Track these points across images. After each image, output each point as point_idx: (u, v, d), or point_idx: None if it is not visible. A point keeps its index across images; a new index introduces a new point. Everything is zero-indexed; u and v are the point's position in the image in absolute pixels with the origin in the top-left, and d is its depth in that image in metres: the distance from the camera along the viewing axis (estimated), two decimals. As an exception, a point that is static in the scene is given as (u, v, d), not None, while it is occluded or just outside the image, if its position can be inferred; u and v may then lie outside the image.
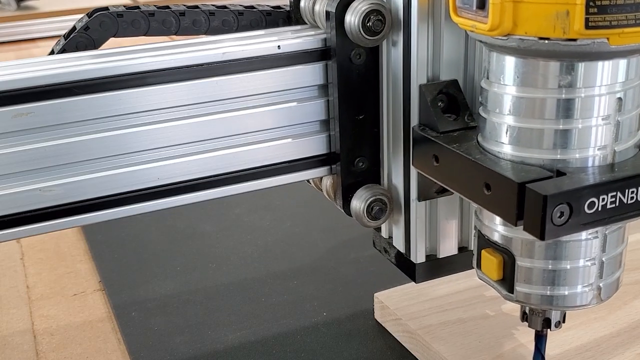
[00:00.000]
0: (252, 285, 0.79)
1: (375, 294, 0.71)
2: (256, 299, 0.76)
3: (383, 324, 0.70)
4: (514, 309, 0.67)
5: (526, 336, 0.63)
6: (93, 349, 0.70)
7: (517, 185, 0.42)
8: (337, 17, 0.52)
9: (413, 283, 0.72)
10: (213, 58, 0.53)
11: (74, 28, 0.56)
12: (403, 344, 0.67)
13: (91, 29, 0.55)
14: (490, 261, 0.48)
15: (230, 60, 0.53)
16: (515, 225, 0.43)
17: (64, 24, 2.04)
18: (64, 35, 0.56)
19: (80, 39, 0.55)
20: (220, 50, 0.53)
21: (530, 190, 0.41)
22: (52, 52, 0.55)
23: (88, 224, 0.59)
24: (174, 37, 0.58)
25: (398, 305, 0.68)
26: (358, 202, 0.58)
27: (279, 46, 0.54)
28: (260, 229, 0.92)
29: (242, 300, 0.76)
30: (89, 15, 0.56)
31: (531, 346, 0.62)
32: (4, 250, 0.90)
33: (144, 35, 0.57)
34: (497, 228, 0.48)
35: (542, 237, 0.41)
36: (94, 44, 0.55)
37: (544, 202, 0.40)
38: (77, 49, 0.55)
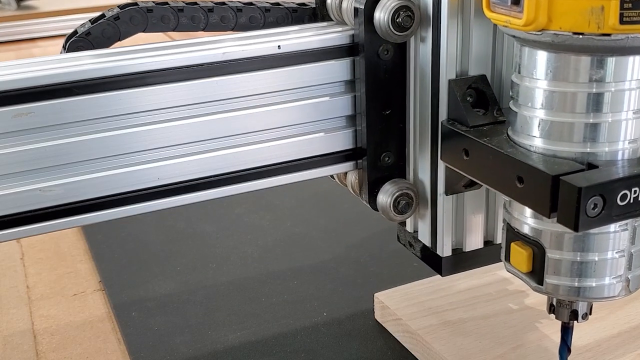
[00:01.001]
0: (252, 285, 0.79)
1: (375, 294, 0.71)
2: (256, 299, 0.76)
3: (383, 324, 0.70)
4: (514, 309, 0.67)
5: (526, 336, 0.63)
6: (93, 349, 0.70)
7: (551, 178, 0.43)
8: (366, 13, 0.53)
9: (413, 283, 0.72)
10: (213, 58, 0.53)
11: (103, 15, 0.56)
12: (403, 344, 0.67)
13: (120, 20, 0.55)
14: (520, 254, 0.49)
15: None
16: (549, 218, 0.43)
17: (64, 24, 2.04)
18: (90, 20, 0.56)
19: (108, 26, 0.55)
20: (220, 50, 0.53)
21: (565, 183, 0.42)
22: (75, 32, 0.55)
23: (88, 224, 0.59)
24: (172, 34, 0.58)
25: (398, 305, 0.68)
26: (384, 197, 0.58)
27: (279, 46, 0.54)
28: (260, 229, 0.92)
29: (242, 300, 0.76)
30: (121, 7, 0.56)
31: (530, 347, 0.62)
32: (4, 250, 0.90)
33: (172, 31, 0.58)
34: (527, 221, 0.48)
35: (576, 229, 0.42)
36: (119, 36, 0.56)
37: (578, 194, 0.41)
38: (102, 35, 0.55)
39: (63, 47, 0.55)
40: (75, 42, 0.55)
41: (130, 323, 0.73)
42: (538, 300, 0.68)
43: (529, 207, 0.46)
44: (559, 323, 0.65)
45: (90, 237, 0.91)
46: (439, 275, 0.73)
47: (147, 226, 0.94)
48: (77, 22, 2.04)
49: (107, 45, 0.56)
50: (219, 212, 0.97)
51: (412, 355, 0.66)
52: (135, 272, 0.83)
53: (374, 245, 0.87)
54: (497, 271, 0.73)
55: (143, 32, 0.56)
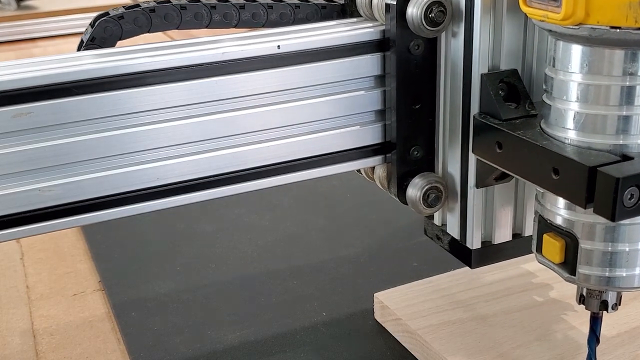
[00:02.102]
0: (252, 285, 0.79)
1: (375, 294, 0.71)
2: (256, 299, 0.76)
3: (383, 324, 0.70)
4: (514, 309, 0.67)
5: (526, 336, 0.63)
6: (93, 349, 0.70)
7: (587, 169, 0.43)
8: (398, 9, 0.54)
9: (413, 283, 0.72)
10: (212, 58, 0.53)
11: (138, 5, 0.56)
12: (403, 344, 0.67)
13: (155, 13, 0.56)
14: (553, 245, 0.49)
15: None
16: (585, 208, 0.44)
17: (64, 24, 2.04)
18: (124, 6, 0.56)
19: (142, 15, 0.55)
20: (220, 50, 0.53)
21: (602, 174, 0.43)
22: (106, 13, 0.55)
23: (88, 224, 0.59)
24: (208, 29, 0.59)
25: (398, 305, 0.68)
26: (414, 190, 0.59)
27: (278, 46, 0.54)
28: (260, 229, 0.92)
29: (242, 300, 0.76)
30: (157, 2, 0.57)
31: (530, 347, 0.62)
32: (4, 250, 0.90)
33: (206, 27, 0.58)
34: (560, 212, 0.49)
35: (613, 219, 0.43)
36: (150, 27, 0.56)
37: (616, 185, 0.42)
38: (134, 22, 0.55)
39: (90, 25, 0.55)
40: (106, 21, 0.55)
41: (129, 323, 0.73)
42: (538, 300, 0.68)
43: (565, 198, 0.47)
44: (558, 323, 0.65)
45: (90, 237, 0.92)
46: (438, 276, 0.73)
47: (147, 226, 0.94)
48: (77, 22, 2.05)
49: (136, 33, 0.56)
50: (219, 212, 0.97)
51: (412, 355, 0.66)
52: (135, 272, 0.83)
53: (374, 245, 0.87)
54: (497, 272, 0.73)
55: (177, 29, 0.57)
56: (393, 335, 0.69)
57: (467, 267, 0.74)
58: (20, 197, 0.50)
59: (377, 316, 0.71)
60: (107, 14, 0.55)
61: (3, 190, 0.50)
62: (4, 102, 0.48)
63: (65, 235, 0.93)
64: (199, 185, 0.55)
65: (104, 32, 0.55)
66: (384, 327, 0.70)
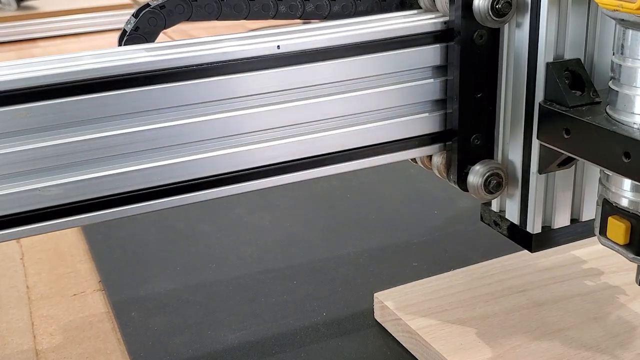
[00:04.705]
0: (252, 285, 0.79)
1: (375, 294, 0.71)
2: (256, 299, 0.76)
3: (383, 324, 0.70)
4: (513, 308, 0.67)
5: (525, 336, 0.63)
6: (93, 349, 0.70)
7: None
8: (464, 0, 0.55)
9: (413, 283, 0.72)
10: (212, 58, 0.53)
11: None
12: (403, 344, 0.67)
13: (225, 2, 0.57)
14: (618, 227, 0.51)
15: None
16: None
17: (64, 24, 2.04)
18: None
19: (215, 2, 0.56)
20: (221, 50, 0.53)
21: None
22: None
23: (88, 224, 0.59)
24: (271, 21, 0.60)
25: (398, 305, 0.68)
26: (475, 177, 0.60)
27: (278, 46, 0.54)
28: (260, 229, 0.92)
29: (242, 300, 0.76)
30: None
31: (530, 346, 0.62)
32: (4, 250, 0.90)
33: (272, 19, 0.60)
34: (626, 194, 0.51)
35: None
36: (219, 15, 0.57)
37: None
38: (204, 8, 0.56)
39: None
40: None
41: (130, 323, 0.73)
42: (536, 300, 0.68)
43: (637, 180, 0.48)
44: (556, 323, 0.65)
45: (90, 237, 0.92)
46: (438, 276, 0.73)
47: (147, 226, 0.94)
48: (77, 22, 2.05)
49: (203, 18, 0.57)
50: (219, 212, 0.97)
51: (412, 355, 0.66)
52: (135, 272, 0.83)
53: (373, 245, 0.87)
54: (496, 272, 0.73)
55: (245, 19, 0.58)
56: (393, 335, 0.69)
57: (467, 267, 0.75)
58: (20, 197, 0.50)
59: (377, 316, 0.71)
60: None
61: (3, 190, 0.50)
62: (4, 102, 0.48)
63: (65, 235, 0.93)
64: (201, 185, 0.55)
65: (175, 7, 0.55)
66: (384, 327, 0.70)
